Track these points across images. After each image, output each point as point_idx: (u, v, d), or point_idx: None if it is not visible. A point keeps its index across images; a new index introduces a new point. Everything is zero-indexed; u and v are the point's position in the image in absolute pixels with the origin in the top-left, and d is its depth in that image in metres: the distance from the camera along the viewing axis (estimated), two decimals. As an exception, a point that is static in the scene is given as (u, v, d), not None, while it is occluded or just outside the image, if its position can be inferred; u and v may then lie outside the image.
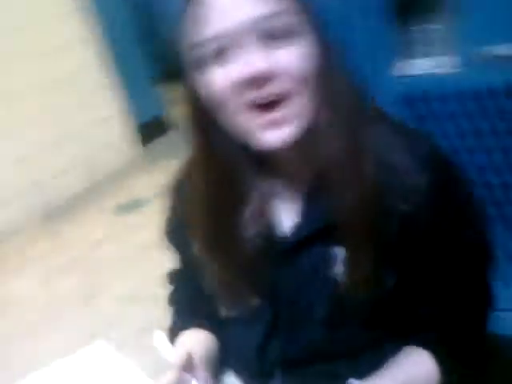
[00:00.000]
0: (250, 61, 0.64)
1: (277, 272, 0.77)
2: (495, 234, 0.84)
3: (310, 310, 0.77)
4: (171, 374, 0.72)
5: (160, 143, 4.35)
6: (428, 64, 1.14)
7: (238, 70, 0.64)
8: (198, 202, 0.78)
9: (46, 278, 2.75)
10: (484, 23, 1.03)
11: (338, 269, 0.74)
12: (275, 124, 0.67)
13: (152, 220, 3.21)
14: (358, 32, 1.12)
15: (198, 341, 0.88)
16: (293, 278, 0.77)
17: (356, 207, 0.69)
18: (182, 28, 0.68)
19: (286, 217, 0.78)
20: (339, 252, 0.73)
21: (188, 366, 0.74)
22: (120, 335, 2.11)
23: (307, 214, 0.76)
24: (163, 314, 0.98)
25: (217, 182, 0.75)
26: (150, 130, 4.34)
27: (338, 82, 0.70)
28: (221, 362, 0.89)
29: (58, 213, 3.49)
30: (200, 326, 0.91)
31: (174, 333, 0.92)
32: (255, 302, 0.78)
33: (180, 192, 0.87)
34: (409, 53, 1.16)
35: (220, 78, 0.66)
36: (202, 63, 0.67)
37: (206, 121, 0.72)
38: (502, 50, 1.03)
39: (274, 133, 0.67)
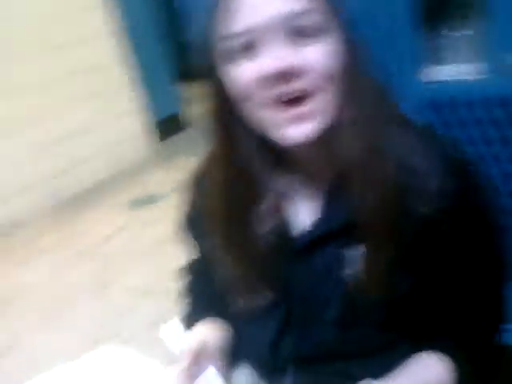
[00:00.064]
0: (278, 56, 0.64)
1: (290, 269, 0.78)
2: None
3: (322, 309, 0.77)
4: (186, 361, 0.72)
5: (176, 140, 4.39)
6: (455, 70, 1.13)
7: (266, 64, 0.65)
8: (215, 197, 0.79)
9: (57, 268, 2.78)
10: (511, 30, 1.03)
11: (351, 270, 0.74)
12: (299, 119, 0.67)
13: (166, 216, 3.25)
14: (385, 37, 1.12)
15: (212, 331, 0.88)
16: (306, 276, 0.78)
17: (376, 207, 0.69)
18: (211, 22, 0.69)
19: (303, 215, 0.78)
20: (353, 253, 0.73)
21: (202, 354, 0.74)
22: (131, 327, 2.13)
23: (326, 213, 0.76)
24: (175, 308, 0.99)
25: (235, 177, 0.76)
26: (167, 126, 4.38)
27: (363, 80, 0.70)
28: (233, 355, 0.90)
29: (73, 205, 3.53)
30: (215, 317, 0.91)
31: (188, 323, 0.93)
32: (268, 297, 0.79)
33: (199, 186, 0.88)
34: (436, 59, 1.15)
35: (247, 72, 0.67)
36: (230, 57, 0.68)
37: (229, 116, 0.72)
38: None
39: (298, 128, 0.68)
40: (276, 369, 0.83)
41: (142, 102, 4.11)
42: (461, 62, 1.13)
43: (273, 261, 0.76)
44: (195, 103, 4.62)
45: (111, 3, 3.78)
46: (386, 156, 0.70)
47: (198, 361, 0.73)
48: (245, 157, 0.74)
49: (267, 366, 0.84)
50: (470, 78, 1.10)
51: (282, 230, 0.77)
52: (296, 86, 0.66)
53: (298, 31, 0.65)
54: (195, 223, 0.90)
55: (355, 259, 0.73)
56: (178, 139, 4.40)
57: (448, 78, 1.13)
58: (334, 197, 0.75)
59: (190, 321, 0.93)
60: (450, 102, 1.13)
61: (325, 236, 0.75)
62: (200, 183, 0.88)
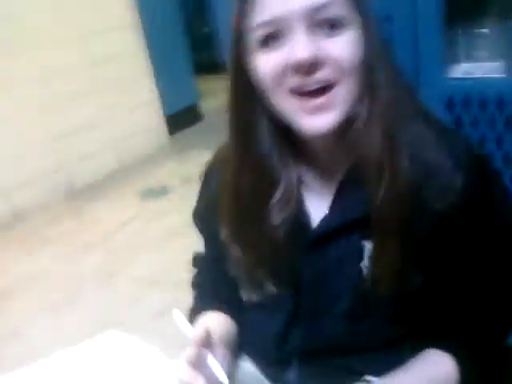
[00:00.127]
0: (301, 47, 0.65)
1: (302, 260, 0.78)
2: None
3: (333, 302, 0.77)
4: (190, 350, 0.72)
5: (190, 133, 4.40)
6: (473, 68, 1.12)
7: (289, 55, 0.66)
8: (229, 187, 0.79)
9: (67, 256, 2.80)
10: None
11: (365, 262, 0.74)
12: (320, 109, 0.68)
13: (177, 207, 3.26)
14: (405, 33, 1.11)
15: (217, 322, 0.89)
16: (318, 268, 0.78)
17: (390, 201, 0.69)
18: (238, 12, 0.70)
19: (317, 207, 0.79)
20: (367, 245, 0.74)
21: (206, 343, 0.74)
22: (136, 317, 2.14)
23: (339, 206, 0.76)
24: (182, 300, 0.99)
25: (252, 167, 0.76)
26: (182, 119, 4.39)
27: (384, 73, 0.70)
28: (238, 347, 0.90)
29: (84, 193, 3.56)
30: (220, 309, 0.92)
31: (194, 314, 0.93)
32: (277, 289, 0.79)
33: (213, 178, 0.88)
34: (455, 56, 1.15)
35: (270, 62, 0.68)
36: (253, 47, 0.69)
37: (250, 107, 0.73)
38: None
39: (318, 118, 0.69)
40: (281, 361, 0.83)
41: (158, 94, 4.12)
42: (479, 60, 1.12)
43: (285, 252, 0.76)
44: (208, 97, 4.64)
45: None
46: (403, 150, 0.70)
47: (201, 351, 0.73)
48: (264, 147, 0.75)
49: (272, 357, 0.84)
50: (487, 76, 1.09)
51: (296, 221, 0.77)
52: (317, 77, 0.67)
53: (322, 23, 0.66)
54: (207, 215, 0.90)
55: (369, 252, 0.73)
56: (192, 132, 4.41)
57: (465, 76, 1.13)
58: (349, 189, 0.75)
59: (195, 314, 0.93)
60: (466, 99, 1.12)
61: (340, 228, 0.75)
62: (214, 175, 0.88)
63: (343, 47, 0.67)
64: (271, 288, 0.79)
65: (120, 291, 2.42)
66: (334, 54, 0.66)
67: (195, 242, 0.97)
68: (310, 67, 0.66)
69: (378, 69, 0.70)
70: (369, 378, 0.75)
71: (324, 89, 0.67)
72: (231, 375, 0.80)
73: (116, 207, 3.31)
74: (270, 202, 0.76)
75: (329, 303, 0.78)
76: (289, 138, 0.75)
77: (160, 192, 3.40)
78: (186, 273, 1.02)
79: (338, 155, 0.76)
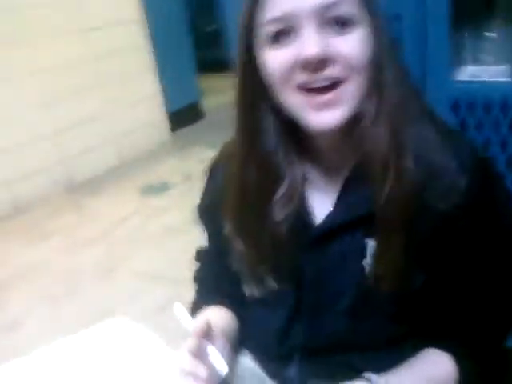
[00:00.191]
0: (311, 44, 0.66)
1: (305, 256, 0.78)
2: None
3: (335, 299, 0.78)
4: (191, 342, 0.73)
5: (191, 130, 4.40)
6: (479, 71, 1.13)
7: (298, 52, 0.67)
8: (234, 182, 0.80)
9: (67, 249, 2.80)
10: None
11: (367, 260, 0.74)
12: (327, 106, 0.69)
13: (177, 204, 3.25)
14: (413, 35, 1.11)
15: (219, 316, 0.89)
16: (321, 265, 0.78)
17: (394, 200, 0.69)
18: (245, 8, 0.70)
19: (320, 204, 0.79)
20: (370, 243, 0.74)
21: (206, 335, 0.75)
22: (137, 311, 2.14)
23: (344, 202, 0.76)
24: (183, 294, 0.99)
25: (256, 164, 0.76)
26: (184, 116, 4.39)
27: (391, 72, 0.71)
28: (240, 342, 0.90)
29: (84, 187, 3.56)
30: (222, 304, 0.92)
31: (196, 308, 0.93)
32: (279, 284, 0.80)
33: (219, 172, 0.89)
34: (461, 59, 1.15)
35: (279, 59, 0.68)
36: (262, 43, 0.70)
37: (258, 103, 0.74)
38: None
39: (325, 114, 0.69)
40: (282, 357, 0.84)
41: (161, 90, 4.12)
42: (484, 64, 1.13)
43: (287, 248, 0.76)
44: (210, 95, 4.65)
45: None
46: (409, 149, 0.70)
47: (201, 342, 0.74)
48: (270, 144, 0.75)
49: (273, 353, 0.85)
50: (492, 79, 1.10)
51: (299, 218, 0.77)
52: (325, 74, 0.67)
53: (332, 20, 0.67)
54: (211, 210, 0.91)
55: (371, 249, 0.74)
56: (193, 129, 4.42)
57: (471, 79, 1.13)
58: (354, 186, 0.76)
59: (197, 308, 0.93)
60: (470, 103, 1.13)
61: (345, 225, 0.75)
62: (220, 170, 0.89)
63: (353, 45, 0.67)
64: (273, 283, 0.80)
65: (120, 285, 2.42)
66: (344, 51, 0.67)
67: (194, 239, 0.97)
68: (318, 64, 0.66)
69: (387, 67, 0.70)
70: (369, 375, 0.75)
71: (332, 85, 0.68)
72: (231, 368, 0.80)
73: (116, 202, 3.31)
74: (275, 198, 0.76)
75: (331, 300, 0.78)
76: (295, 135, 0.76)
77: (160, 188, 3.41)
78: (185, 268, 1.03)
79: (344, 153, 0.76)
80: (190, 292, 1.00)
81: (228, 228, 0.82)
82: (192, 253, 1.01)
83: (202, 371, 0.70)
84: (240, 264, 0.83)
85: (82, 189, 3.54)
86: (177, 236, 2.66)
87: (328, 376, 0.80)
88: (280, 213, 0.76)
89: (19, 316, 2.28)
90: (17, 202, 3.29)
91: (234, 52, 0.74)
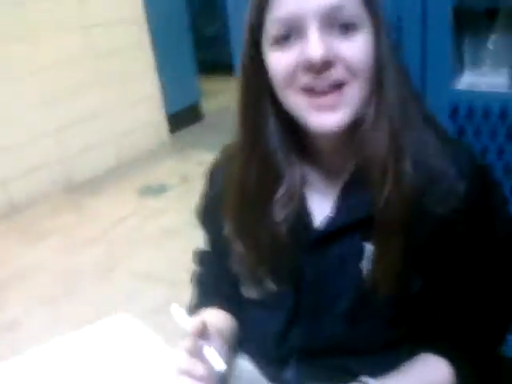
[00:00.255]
0: (314, 46, 0.66)
1: (304, 259, 0.79)
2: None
3: (333, 301, 0.78)
4: (187, 342, 0.73)
5: (191, 132, 4.39)
6: (478, 79, 1.14)
7: (301, 54, 0.67)
8: (235, 182, 0.80)
9: (66, 249, 2.80)
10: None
11: (367, 263, 0.75)
12: (329, 108, 0.69)
13: (174, 206, 3.23)
14: (411, 42, 1.12)
15: (216, 318, 0.90)
16: (320, 267, 0.78)
17: (393, 204, 0.70)
18: (250, 9, 0.71)
19: (319, 207, 0.80)
20: (367, 246, 0.75)
21: (203, 334, 0.75)
22: (135, 311, 2.13)
23: (345, 205, 0.77)
24: (180, 295, 1.00)
25: (257, 164, 0.77)
26: (183, 117, 4.39)
27: (391, 75, 0.71)
28: (238, 344, 0.91)
29: (83, 187, 3.55)
30: (221, 306, 0.93)
31: (194, 310, 0.94)
32: (277, 287, 0.80)
33: (219, 174, 0.89)
34: (460, 66, 1.16)
35: (282, 60, 0.69)
36: (266, 44, 0.71)
37: (261, 104, 0.75)
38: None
39: (327, 116, 0.70)
40: (279, 359, 0.84)
41: (160, 91, 4.12)
42: (484, 72, 1.14)
43: (286, 249, 0.77)
44: (209, 97, 4.65)
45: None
46: (407, 153, 0.71)
47: (198, 342, 0.74)
48: (271, 144, 0.76)
49: (271, 355, 0.85)
50: (491, 88, 1.11)
51: (299, 219, 0.78)
52: (328, 76, 0.68)
53: (336, 24, 0.67)
54: (211, 211, 0.91)
55: (369, 253, 0.74)
56: (192, 131, 4.41)
57: (469, 87, 1.14)
58: (354, 189, 0.76)
59: (195, 310, 0.94)
60: (469, 111, 1.14)
61: (344, 227, 0.76)
62: (220, 171, 0.89)
63: (356, 49, 0.68)
64: (272, 285, 0.80)
65: (119, 285, 2.42)
66: (347, 55, 0.67)
67: (190, 241, 0.97)
68: (322, 66, 0.67)
69: (387, 70, 0.71)
70: (365, 379, 0.76)
71: (335, 88, 0.68)
72: (228, 368, 0.80)
73: (114, 203, 3.31)
74: (274, 199, 0.77)
75: (329, 303, 0.79)
76: (296, 136, 0.77)
77: (158, 190, 3.40)
78: (182, 271, 1.02)
79: (345, 156, 0.76)
80: (188, 293, 1.00)
81: (228, 228, 0.83)
82: (190, 254, 1.01)
83: (200, 369, 0.70)
84: (239, 266, 0.83)
85: (81, 189, 3.54)
86: (174, 237, 2.66)
87: (325, 379, 0.81)
88: (280, 212, 0.76)
89: (18, 316, 2.28)
90: (16, 201, 3.28)
91: (237, 52, 0.74)
